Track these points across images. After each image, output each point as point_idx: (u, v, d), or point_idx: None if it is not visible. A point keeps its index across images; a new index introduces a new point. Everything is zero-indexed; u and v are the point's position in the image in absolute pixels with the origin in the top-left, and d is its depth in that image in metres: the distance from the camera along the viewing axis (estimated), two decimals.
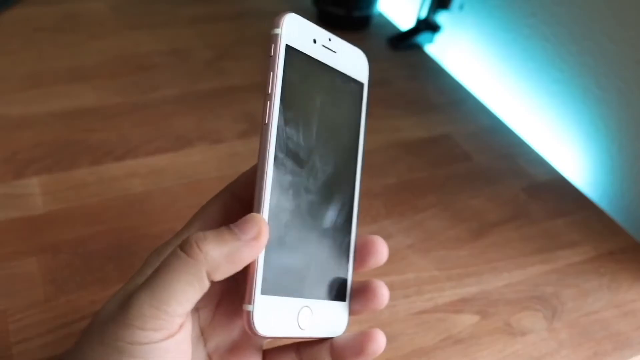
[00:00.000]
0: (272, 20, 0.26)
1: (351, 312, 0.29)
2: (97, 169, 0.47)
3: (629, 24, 0.50)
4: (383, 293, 0.28)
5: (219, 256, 0.23)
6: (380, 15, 0.76)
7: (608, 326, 0.41)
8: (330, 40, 0.29)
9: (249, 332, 0.24)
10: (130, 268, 0.40)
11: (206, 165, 0.49)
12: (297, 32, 0.27)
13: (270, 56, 0.25)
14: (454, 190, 0.51)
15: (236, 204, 0.28)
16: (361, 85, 0.31)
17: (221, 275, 0.23)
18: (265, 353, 0.29)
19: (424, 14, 0.69)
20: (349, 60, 0.30)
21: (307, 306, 0.26)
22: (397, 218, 0.47)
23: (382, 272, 0.42)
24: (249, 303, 0.24)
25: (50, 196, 0.44)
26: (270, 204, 0.25)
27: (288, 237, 0.26)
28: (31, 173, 0.46)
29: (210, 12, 0.71)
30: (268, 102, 0.25)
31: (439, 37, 0.71)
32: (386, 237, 0.45)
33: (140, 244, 0.41)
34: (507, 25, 0.63)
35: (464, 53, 0.70)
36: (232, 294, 0.29)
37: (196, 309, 0.28)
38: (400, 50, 0.69)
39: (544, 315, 0.41)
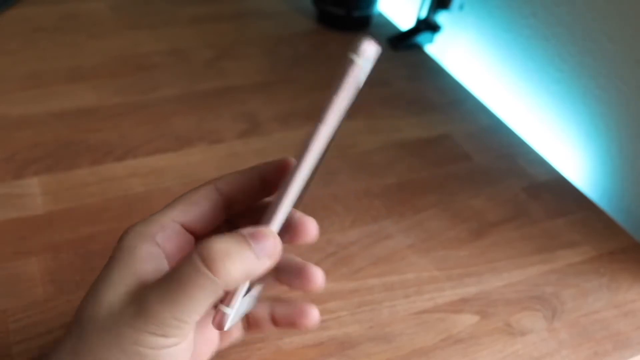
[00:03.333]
0: (356, 45, 0.23)
1: (286, 283, 0.31)
2: (97, 169, 0.47)
3: (629, 24, 0.50)
4: (315, 274, 0.30)
5: (239, 275, 0.24)
6: (380, 15, 0.76)
7: (608, 326, 0.41)
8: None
9: (215, 327, 0.25)
10: None
11: (206, 165, 0.49)
12: (370, 63, 0.24)
13: (342, 83, 0.23)
14: (454, 190, 0.51)
15: (220, 200, 0.29)
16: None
17: (234, 286, 0.24)
18: None
19: (424, 14, 0.69)
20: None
21: (247, 299, 0.27)
22: (397, 218, 0.47)
23: (383, 272, 0.43)
24: (229, 306, 0.25)
25: (50, 196, 0.44)
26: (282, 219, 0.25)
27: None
28: (31, 173, 0.46)
29: (210, 12, 0.71)
30: (320, 127, 0.24)
31: (439, 37, 0.71)
32: (386, 237, 0.45)
33: None
34: (507, 25, 0.63)
35: (464, 53, 0.70)
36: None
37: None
38: (400, 50, 0.69)
39: (544, 315, 0.41)
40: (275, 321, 0.31)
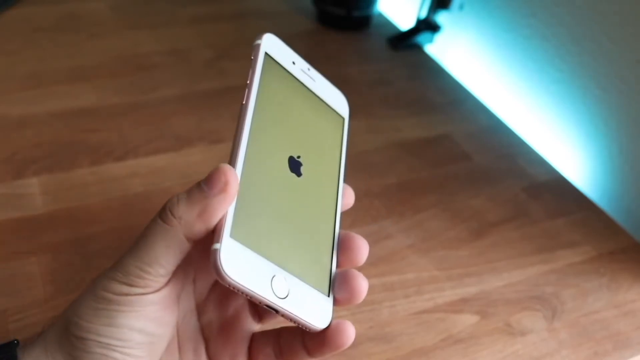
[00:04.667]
0: (255, 37, 0.30)
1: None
2: (97, 169, 0.47)
3: (629, 24, 0.50)
4: (361, 285, 0.28)
5: (192, 217, 0.24)
6: (380, 15, 0.76)
7: (608, 326, 0.41)
8: (309, 69, 0.33)
9: (215, 275, 0.24)
10: None
11: (206, 165, 0.49)
12: (276, 48, 0.31)
13: (251, 59, 0.29)
14: (454, 190, 0.51)
15: None
16: (342, 118, 0.34)
17: (198, 233, 0.25)
18: (252, 338, 0.30)
19: (424, 14, 0.69)
20: (329, 93, 0.34)
21: (283, 277, 0.26)
22: (397, 218, 0.47)
23: (383, 272, 0.42)
24: (217, 242, 0.24)
25: (50, 196, 0.44)
26: (245, 159, 0.26)
27: (266, 197, 0.27)
28: (31, 173, 0.46)
29: (210, 12, 0.71)
30: (247, 90, 0.28)
31: (439, 37, 0.71)
32: (386, 237, 0.45)
33: None
34: (507, 25, 0.63)
35: (464, 53, 0.70)
36: None
37: (193, 282, 0.30)
38: (400, 50, 0.69)
39: (544, 315, 0.41)
40: (308, 347, 0.28)
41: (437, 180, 0.52)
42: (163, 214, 0.25)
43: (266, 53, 0.30)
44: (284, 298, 0.25)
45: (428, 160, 0.54)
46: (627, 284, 0.45)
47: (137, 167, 0.48)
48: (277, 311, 0.25)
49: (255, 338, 0.30)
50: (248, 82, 0.28)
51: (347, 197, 0.32)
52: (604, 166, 0.55)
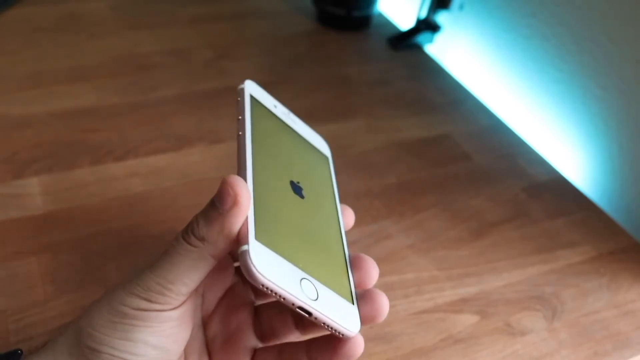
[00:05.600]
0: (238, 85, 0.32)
1: None
2: (97, 169, 0.47)
3: (629, 24, 0.50)
4: (383, 302, 0.27)
5: (214, 237, 0.24)
6: (380, 15, 0.76)
7: (608, 326, 0.41)
8: (289, 113, 0.35)
9: (247, 276, 0.23)
10: (130, 268, 0.40)
11: (206, 165, 0.49)
12: (258, 92, 0.33)
13: (238, 100, 0.31)
14: (454, 190, 0.51)
15: None
16: (326, 157, 0.36)
17: (224, 248, 0.25)
18: (254, 353, 0.30)
19: (424, 14, 0.69)
20: (311, 136, 0.36)
21: (310, 281, 0.25)
22: (397, 218, 0.47)
23: (383, 272, 0.42)
24: (244, 244, 0.24)
25: (50, 196, 0.44)
26: (253, 176, 0.26)
27: (278, 211, 0.27)
28: (31, 173, 0.46)
29: (210, 12, 0.71)
30: (240, 123, 0.29)
31: (439, 37, 0.71)
32: (386, 237, 0.45)
33: (140, 244, 0.41)
34: (507, 25, 0.63)
35: (464, 53, 0.70)
36: (235, 291, 0.32)
37: (202, 296, 0.30)
38: (400, 50, 0.69)
39: (544, 315, 0.41)
40: (312, 355, 0.27)
41: (437, 180, 0.52)
42: (186, 236, 0.25)
43: (251, 95, 0.31)
44: (315, 300, 0.25)
45: (428, 160, 0.54)
46: (627, 284, 0.45)
47: (137, 167, 0.48)
48: (310, 314, 0.25)
49: (257, 353, 0.30)
50: (240, 117, 0.29)
51: (347, 217, 0.32)
52: (604, 166, 0.55)
